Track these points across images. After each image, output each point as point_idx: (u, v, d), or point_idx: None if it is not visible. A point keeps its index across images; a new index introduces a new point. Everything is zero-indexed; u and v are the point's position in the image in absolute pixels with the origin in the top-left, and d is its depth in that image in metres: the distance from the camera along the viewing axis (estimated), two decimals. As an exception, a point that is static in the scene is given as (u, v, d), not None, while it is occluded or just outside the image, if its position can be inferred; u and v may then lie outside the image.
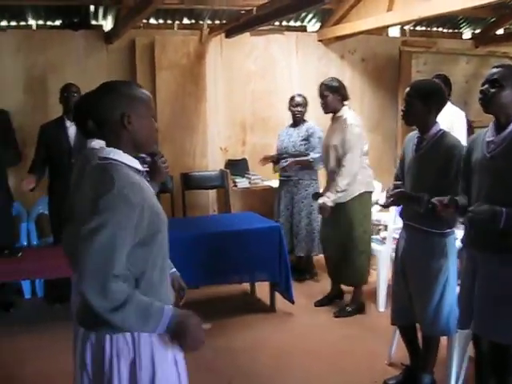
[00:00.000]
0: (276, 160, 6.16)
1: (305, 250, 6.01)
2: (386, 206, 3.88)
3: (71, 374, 2.45)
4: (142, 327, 2.01)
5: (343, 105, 5.07)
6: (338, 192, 4.88)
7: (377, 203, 4.49)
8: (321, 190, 5.60)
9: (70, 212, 2.27)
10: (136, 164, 2.15)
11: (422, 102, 3.45)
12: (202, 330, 2.12)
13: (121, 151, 2.10)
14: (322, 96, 5.06)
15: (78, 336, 2.16)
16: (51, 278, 5.08)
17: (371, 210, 5.18)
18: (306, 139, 5.91)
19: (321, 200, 4.98)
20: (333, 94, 5.02)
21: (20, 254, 5.04)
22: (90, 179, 2.09)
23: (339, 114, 5.05)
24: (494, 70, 3.03)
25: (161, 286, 2.14)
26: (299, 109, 5.99)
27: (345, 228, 5.02)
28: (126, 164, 2.09)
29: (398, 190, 3.57)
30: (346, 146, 4.90)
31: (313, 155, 5.82)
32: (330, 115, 5.18)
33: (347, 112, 5.06)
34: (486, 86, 3.02)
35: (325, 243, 5.37)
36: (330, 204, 4.91)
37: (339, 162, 4.97)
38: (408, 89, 3.53)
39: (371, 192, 5.11)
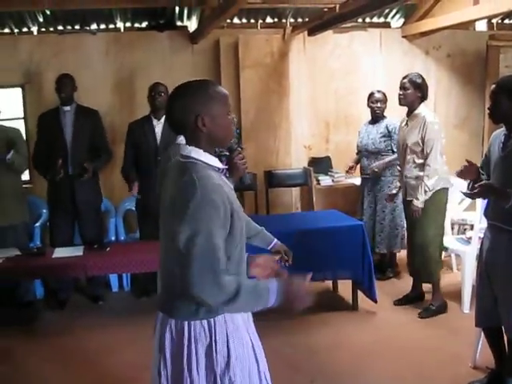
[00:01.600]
0: (357, 161, 6.15)
1: (388, 247, 5.96)
2: (470, 196, 3.76)
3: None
4: (256, 306, 2.14)
5: (421, 103, 5.02)
6: (426, 192, 4.86)
7: (461, 192, 4.36)
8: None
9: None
10: (216, 162, 2.20)
11: (509, 99, 3.36)
12: (306, 291, 2.24)
13: (201, 150, 2.16)
14: (404, 88, 5.02)
15: (158, 321, 2.28)
16: (138, 272, 5.22)
17: (446, 207, 5.08)
18: (386, 136, 5.86)
19: (414, 202, 4.92)
20: (414, 90, 4.98)
21: (108, 249, 5.21)
22: (173, 177, 2.17)
23: (417, 112, 5.00)
24: None
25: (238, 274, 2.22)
26: (379, 105, 5.94)
27: (419, 224, 4.98)
28: (205, 163, 2.15)
29: (484, 182, 3.47)
30: (427, 145, 4.87)
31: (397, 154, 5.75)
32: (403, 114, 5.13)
33: (425, 110, 5.03)
34: None
35: (407, 241, 5.36)
36: (420, 205, 4.89)
37: (417, 160, 4.95)
38: (494, 86, 3.46)
39: (447, 189, 5.03)
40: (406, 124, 5.10)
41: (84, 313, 5.45)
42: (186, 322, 2.16)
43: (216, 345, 2.16)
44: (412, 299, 5.39)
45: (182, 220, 2.01)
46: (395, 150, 5.76)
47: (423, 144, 4.90)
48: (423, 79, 5.05)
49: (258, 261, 2.52)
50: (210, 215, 2.01)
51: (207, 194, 2.02)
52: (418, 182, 4.95)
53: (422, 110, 5.01)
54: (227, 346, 2.18)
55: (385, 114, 6.00)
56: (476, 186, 3.46)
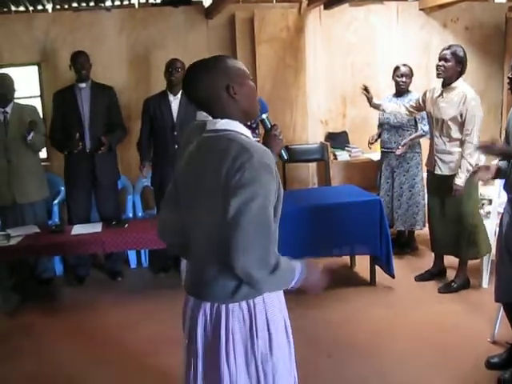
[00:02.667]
0: (378, 136, 6.10)
1: (406, 225, 5.92)
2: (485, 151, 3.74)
3: (175, 340, 2.56)
4: (286, 284, 2.11)
5: (459, 77, 4.87)
6: (469, 171, 4.69)
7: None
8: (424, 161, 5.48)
9: (175, 189, 2.30)
10: (249, 134, 2.18)
11: None
12: (324, 275, 2.25)
13: (237, 122, 2.14)
14: (445, 59, 4.82)
15: (188, 305, 2.23)
16: (155, 249, 5.25)
17: (479, 183, 4.98)
18: (409, 110, 5.76)
19: (456, 181, 4.80)
20: (456, 63, 4.81)
21: (126, 226, 5.25)
22: (209, 152, 2.09)
23: (454, 85, 4.84)
24: None
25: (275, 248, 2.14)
26: (404, 79, 5.83)
27: (454, 202, 4.88)
28: (243, 134, 2.12)
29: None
30: (469, 121, 4.73)
31: (423, 127, 5.70)
32: (427, 87, 5.03)
33: (464, 85, 4.87)
34: None
35: (433, 217, 5.21)
36: (462, 184, 4.77)
37: (453, 136, 4.84)
38: None
39: (477, 165, 4.92)
40: (441, 95, 4.94)
41: (103, 289, 5.50)
42: (224, 305, 2.10)
43: (257, 329, 2.11)
44: (433, 275, 5.36)
45: (237, 186, 1.94)
46: (420, 125, 5.70)
47: (462, 120, 4.76)
48: (465, 53, 4.88)
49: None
50: (266, 181, 1.96)
51: (263, 158, 1.98)
52: (455, 158, 4.85)
53: (461, 84, 4.86)
54: (268, 330, 2.13)
55: (410, 88, 5.92)
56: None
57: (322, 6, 6.88)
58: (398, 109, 5.54)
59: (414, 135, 5.78)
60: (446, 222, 5.03)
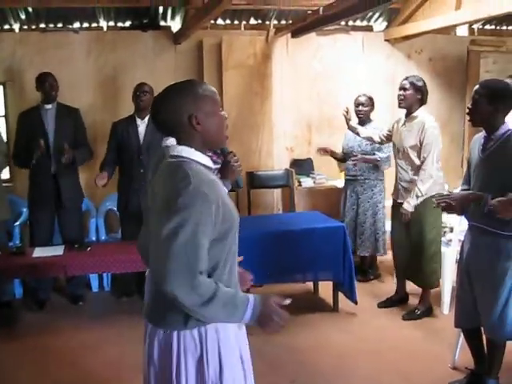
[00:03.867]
0: (342, 159, 6.17)
1: (369, 250, 5.99)
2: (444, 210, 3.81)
3: (136, 365, 2.54)
4: (231, 318, 2.05)
5: (420, 106, 4.98)
6: (419, 197, 4.83)
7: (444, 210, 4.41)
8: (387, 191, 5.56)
9: (146, 210, 2.31)
10: (207, 161, 2.18)
11: (488, 101, 3.39)
12: (283, 313, 2.13)
13: (192, 149, 2.13)
14: (404, 89, 4.95)
15: (147, 331, 2.22)
16: (118, 273, 5.20)
17: (441, 212, 5.07)
18: (371, 140, 5.86)
19: (404, 206, 4.90)
20: (414, 91, 4.92)
21: (89, 249, 5.18)
22: (164, 177, 2.11)
23: (415, 114, 4.96)
24: None
25: (229, 283, 2.15)
26: (360, 108, 5.96)
27: (417, 229, 4.95)
28: (198, 162, 2.12)
29: (461, 194, 3.52)
30: (425, 149, 4.83)
31: (380, 155, 5.80)
32: (392, 117, 5.12)
33: (424, 114, 4.97)
34: None
35: (396, 244, 5.29)
36: (410, 209, 4.87)
37: (413, 164, 4.93)
38: (476, 87, 3.48)
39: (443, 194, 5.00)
40: (404, 125, 5.06)
41: (64, 313, 5.41)
42: (176, 333, 2.09)
43: (207, 357, 2.09)
44: (396, 302, 5.41)
45: (171, 212, 1.95)
46: (377, 153, 5.79)
47: (421, 148, 4.87)
48: (424, 82, 5.00)
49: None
50: (200, 209, 1.96)
51: (200, 186, 1.98)
52: (412, 186, 4.93)
53: (421, 113, 4.97)
54: (219, 358, 2.11)
55: (372, 117, 6.03)
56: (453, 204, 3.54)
57: (289, 34, 6.97)
58: (371, 135, 5.62)
59: (369, 157, 5.87)
60: (410, 249, 5.08)
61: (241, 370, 2.22)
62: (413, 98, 4.94)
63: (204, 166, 2.14)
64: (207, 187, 2.00)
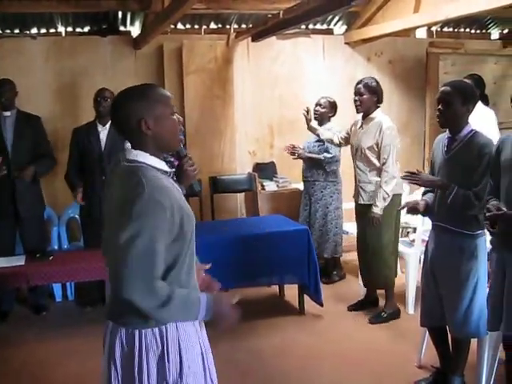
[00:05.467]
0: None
1: (317, 251, 5.94)
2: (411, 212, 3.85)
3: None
4: (187, 316, 2.14)
5: (377, 107, 5.01)
6: (386, 199, 4.84)
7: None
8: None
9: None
10: (163, 166, 2.20)
11: (462, 102, 3.43)
12: (233, 311, 2.24)
13: (147, 154, 2.15)
14: (359, 94, 4.98)
15: (107, 331, 2.23)
16: (82, 282, 5.13)
17: (400, 213, 5.10)
18: (320, 141, 5.93)
19: (373, 210, 4.89)
20: (370, 94, 4.95)
21: (51, 258, 5.09)
22: (119, 181, 2.14)
23: (372, 116, 4.98)
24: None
25: (188, 284, 2.20)
26: (317, 108, 6.03)
27: (373, 231, 4.96)
28: (152, 166, 2.14)
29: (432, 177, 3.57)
30: (384, 150, 4.85)
31: (326, 155, 5.88)
32: (353, 119, 5.18)
33: (381, 115, 5.00)
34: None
35: (359, 247, 5.30)
36: (380, 212, 4.86)
37: (372, 165, 4.96)
38: (446, 88, 3.48)
39: (400, 194, 5.05)
40: (361, 127, 5.07)
41: (26, 324, 5.32)
42: (137, 331, 2.13)
43: (168, 354, 2.14)
44: (365, 305, 5.41)
45: (126, 220, 1.98)
46: (326, 154, 5.85)
47: (379, 149, 4.89)
48: (378, 82, 5.03)
49: None
50: (155, 216, 2.00)
51: (154, 194, 2.01)
52: (373, 187, 4.95)
53: (378, 114, 4.99)
54: (179, 355, 2.16)
55: (332, 120, 6.08)
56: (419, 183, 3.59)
57: (249, 38, 6.97)
58: (332, 136, 5.65)
59: (311, 154, 5.98)
60: (368, 252, 5.11)
61: (201, 365, 2.25)
62: (369, 101, 4.97)
63: (160, 170, 2.17)
64: (161, 194, 2.04)
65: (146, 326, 2.12)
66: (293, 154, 6.00)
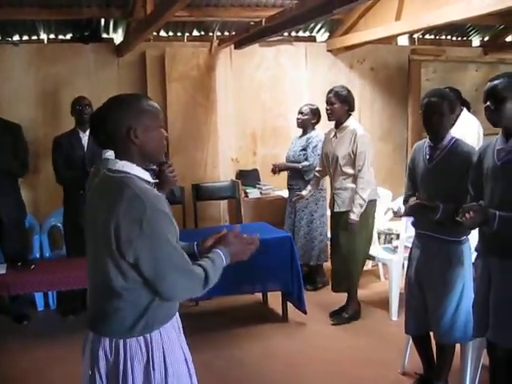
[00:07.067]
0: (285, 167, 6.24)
1: (303, 259, 5.97)
2: (400, 216, 3.88)
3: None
4: (219, 275, 2.25)
5: (349, 115, 5.06)
6: (362, 205, 4.88)
7: (392, 211, 4.48)
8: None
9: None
10: (147, 176, 2.20)
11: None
12: (245, 240, 2.41)
13: (134, 165, 2.15)
14: (330, 103, 5.03)
15: (88, 341, 2.22)
16: (64, 290, 5.10)
17: (374, 218, 5.16)
18: (305, 149, 5.95)
19: (350, 216, 4.91)
20: (341, 103, 5.00)
21: (33, 267, 5.05)
22: (104, 193, 2.12)
23: (345, 124, 5.03)
24: (493, 82, 3.01)
25: None
26: (299, 116, 6.06)
27: (347, 236, 5.01)
28: (139, 177, 2.14)
29: (415, 202, 3.53)
30: (359, 157, 4.89)
31: (304, 163, 5.89)
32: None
33: (354, 122, 5.06)
34: (489, 102, 3.01)
35: (332, 254, 5.37)
36: (356, 219, 4.90)
37: (347, 172, 4.98)
38: (434, 99, 3.46)
39: (375, 200, 5.10)
40: (335, 136, 5.11)
41: (8, 334, 5.25)
42: (122, 341, 2.13)
43: (153, 361, 2.14)
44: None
45: (141, 240, 2.02)
46: (305, 162, 5.88)
47: (354, 156, 4.92)
48: (348, 91, 5.08)
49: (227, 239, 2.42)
50: (162, 225, 2.06)
51: (154, 205, 2.05)
52: (348, 194, 4.98)
53: (351, 122, 5.04)
54: (164, 362, 2.17)
55: (316, 127, 6.09)
56: (406, 207, 3.56)
57: (232, 46, 6.97)
58: (310, 184, 5.66)
59: (290, 164, 6.05)
60: (340, 257, 5.15)
61: (186, 369, 2.28)
62: (340, 110, 5.02)
63: (144, 181, 2.17)
64: (159, 203, 2.09)
65: (130, 336, 2.12)
66: (274, 171, 6.12)
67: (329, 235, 5.98)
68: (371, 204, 5.02)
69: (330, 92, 5.08)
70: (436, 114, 3.46)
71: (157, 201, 2.07)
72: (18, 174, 5.56)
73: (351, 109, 5.08)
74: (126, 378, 2.11)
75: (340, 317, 5.23)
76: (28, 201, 5.83)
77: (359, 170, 4.91)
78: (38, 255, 6.11)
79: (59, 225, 5.93)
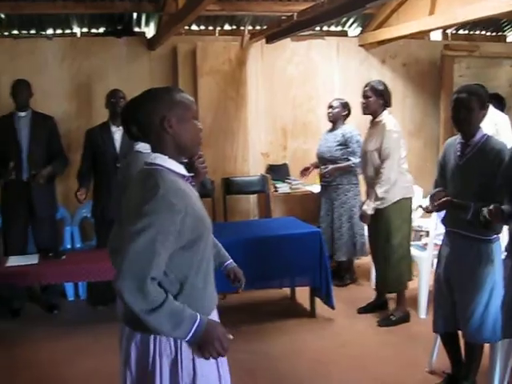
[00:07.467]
0: (316, 166, 6.18)
1: (347, 255, 5.99)
2: (430, 212, 3.84)
3: (113, 375, 2.50)
4: (174, 332, 2.04)
5: (384, 110, 4.99)
6: (376, 200, 4.85)
7: (421, 207, 4.41)
8: (362, 196, 5.57)
9: (118, 215, 2.32)
10: (181, 170, 2.18)
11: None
12: (227, 340, 2.13)
13: (166, 157, 2.13)
14: (365, 96, 4.98)
15: (124, 335, 2.22)
16: (94, 281, 5.15)
17: (411, 216, 5.06)
18: (342, 144, 5.89)
19: (363, 207, 4.94)
20: (376, 97, 4.94)
21: (64, 257, 5.13)
22: (136, 184, 2.13)
23: (378, 119, 4.97)
24: None
25: (204, 291, 2.18)
26: (330, 110, 6.01)
27: (383, 234, 4.94)
28: (171, 170, 2.12)
29: (446, 198, 3.50)
30: (384, 153, 4.84)
31: (354, 160, 5.81)
32: (367, 122, 5.15)
33: (387, 117, 4.97)
34: None
35: (371, 250, 5.30)
36: (369, 212, 4.88)
37: (377, 168, 4.92)
38: (464, 95, 3.41)
39: (410, 198, 5.01)
40: (369, 131, 5.08)
41: (38, 322, 5.34)
42: (152, 337, 2.10)
43: (182, 361, 2.11)
44: (376, 307, 5.38)
45: (136, 216, 1.98)
46: (351, 158, 5.81)
47: (380, 152, 4.87)
48: (385, 86, 5.02)
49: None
50: (164, 218, 1.98)
51: (168, 196, 1.99)
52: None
53: (385, 117, 4.96)
54: (193, 363, 2.13)
55: (346, 122, 6.04)
56: (436, 203, 3.51)
57: (263, 40, 6.97)
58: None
59: (342, 164, 5.89)
60: (376, 255, 5.11)
61: (215, 372, 2.23)
62: (375, 104, 4.96)
63: (177, 174, 2.14)
64: (175, 197, 2.02)
65: None
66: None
67: (366, 232, 5.88)
68: (407, 202, 4.94)
69: (366, 86, 5.03)
70: (464, 109, 3.41)
71: (175, 193, 2.02)
72: (63, 170, 5.68)
73: (387, 104, 5.01)
74: (153, 375, 2.10)
75: (387, 319, 5.11)
76: (59, 193, 5.91)
77: (381, 165, 4.86)
78: (69, 246, 6.20)
79: (90, 216, 5.98)
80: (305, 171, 6.26)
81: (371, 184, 4.99)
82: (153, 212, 1.97)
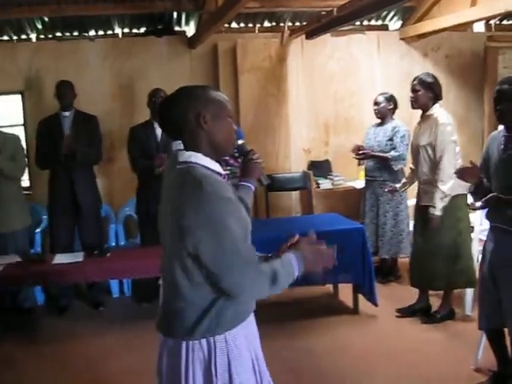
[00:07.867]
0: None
1: (390, 252, 5.93)
2: (476, 209, 3.77)
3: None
4: (290, 280, 2.11)
5: (434, 103, 4.81)
6: (443, 198, 4.61)
7: (467, 205, 4.29)
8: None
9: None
10: (217, 167, 2.15)
11: None
12: (321, 250, 2.33)
13: (200, 154, 2.10)
14: (414, 90, 4.80)
15: (160, 340, 2.20)
16: (138, 278, 5.21)
17: (467, 212, 4.81)
18: (392, 139, 5.83)
19: (430, 211, 4.67)
20: (425, 90, 4.76)
21: (108, 255, 5.18)
22: (172, 185, 2.09)
23: (429, 113, 4.79)
24: None
25: None
26: (375, 107, 5.94)
27: (434, 232, 4.73)
28: (206, 167, 2.09)
29: (492, 194, 3.43)
30: (440, 148, 4.65)
31: (392, 153, 5.76)
32: (418, 115, 5.01)
33: (439, 110, 4.79)
34: None
35: (413, 248, 5.14)
36: (438, 213, 4.64)
37: (431, 163, 4.75)
38: (505, 86, 3.35)
39: (465, 195, 4.67)
40: (419, 125, 4.91)
41: (84, 319, 5.45)
42: (184, 343, 2.07)
43: (216, 369, 2.05)
44: (416, 311, 5.18)
45: (200, 227, 1.95)
46: (393, 152, 5.75)
47: (435, 147, 4.70)
48: (435, 78, 4.84)
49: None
50: (222, 211, 1.97)
51: (214, 190, 1.97)
52: (431, 188, 4.73)
53: (436, 110, 4.78)
54: (229, 371, 2.07)
55: (394, 116, 5.99)
56: (483, 200, 3.45)
57: (303, 36, 6.95)
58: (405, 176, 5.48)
59: (377, 153, 5.86)
60: (426, 252, 4.88)
61: (253, 378, 2.19)
62: (424, 97, 4.78)
63: (214, 171, 2.12)
64: (222, 189, 2.01)
65: (193, 338, 2.06)
66: (359, 155, 5.93)
67: (411, 228, 5.74)
68: (461, 198, 4.70)
69: (414, 79, 4.86)
70: (506, 101, 3.34)
71: (219, 186, 2.00)
72: (94, 160, 5.71)
73: (437, 97, 4.81)
74: (187, 381, 2.06)
75: (432, 317, 5.02)
76: (103, 190, 6.00)
77: (439, 162, 4.66)
78: (113, 244, 6.29)
79: (133, 214, 6.06)
80: (356, 150, 6.01)
81: (425, 180, 4.83)
82: (211, 214, 1.96)
